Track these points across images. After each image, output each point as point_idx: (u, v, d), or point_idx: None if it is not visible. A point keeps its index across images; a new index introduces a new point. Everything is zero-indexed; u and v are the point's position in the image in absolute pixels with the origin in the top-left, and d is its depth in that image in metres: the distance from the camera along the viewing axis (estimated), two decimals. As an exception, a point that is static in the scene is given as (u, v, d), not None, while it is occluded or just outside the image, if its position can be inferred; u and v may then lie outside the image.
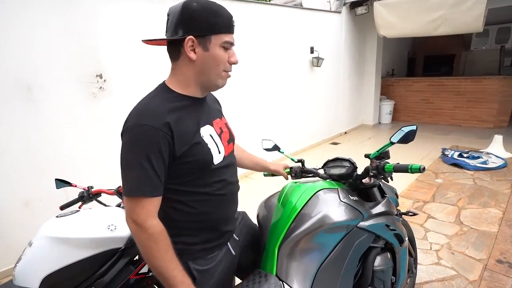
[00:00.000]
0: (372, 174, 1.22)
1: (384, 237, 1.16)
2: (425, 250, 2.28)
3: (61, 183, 1.63)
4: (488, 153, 4.19)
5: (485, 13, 4.22)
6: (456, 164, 3.97)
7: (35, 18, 2.29)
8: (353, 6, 5.67)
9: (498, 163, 3.86)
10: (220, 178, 0.97)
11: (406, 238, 1.31)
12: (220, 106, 1.17)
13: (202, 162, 0.90)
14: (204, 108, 0.98)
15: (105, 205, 1.65)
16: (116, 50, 2.78)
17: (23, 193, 2.38)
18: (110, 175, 2.76)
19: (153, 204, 0.83)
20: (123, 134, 0.85)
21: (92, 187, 1.62)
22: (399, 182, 3.43)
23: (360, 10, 5.60)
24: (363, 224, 1.08)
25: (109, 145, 2.81)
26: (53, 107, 2.47)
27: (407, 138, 1.09)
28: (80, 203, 1.63)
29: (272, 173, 1.50)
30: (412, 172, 1.04)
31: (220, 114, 1.09)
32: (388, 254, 1.20)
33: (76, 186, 1.64)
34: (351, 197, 1.13)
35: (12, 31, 2.20)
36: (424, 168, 1.02)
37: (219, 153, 0.95)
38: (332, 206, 1.05)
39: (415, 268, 1.71)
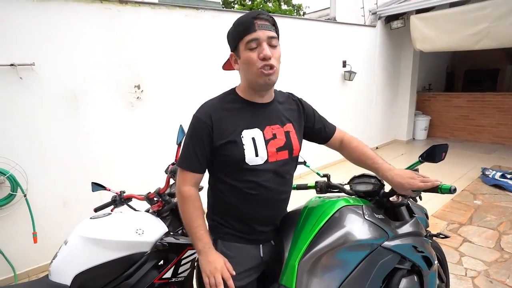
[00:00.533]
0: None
1: (411, 258, 1.11)
2: (460, 276, 2.13)
3: (97, 186, 1.73)
4: (535, 176, 3.85)
5: (532, 26, 3.97)
6: (497, 185, 3.70)
7: (83, 34, 2.52)
8: (388, 20, 5.57)
9: (547, 187, 3.54)
10: (253, 179, 1.05)
11: (436, 262, 1.24)
12: (301, 112, 1.20)
13: (234, 159, 1.02)
14: (260, 112, 1.08)
15: (135, 209, 1.73)
16: (152, 63, 2.96)
17: (62, 194, 2.56)
18: (142, 181, 2.90)
19: (189, 176, 1.06)
20: None
21: (124, 192, 1.71)
22: (433, 201, 3.25)
23: (396, 24, 5.49)
24: (388, 243, 1.05)
25: (144, 152, 2.96)
26: (95, 115, 2.67)
27: (436, 157, 1.05)
28: (112, 206, 1.72)
29: (306, 187, 1.51)
30: (442, 193, 1.00)
31: (284, 121, 1.12)
32: (415, 277, 1.14)
33: (110, 190, 1.73)
34: (376, 215, 1.10)
35: (62, 44, 2.42)
36: (455, 189, 0.97)
37: (257, 155, 1.03)
38: (356, 223, 1.03)
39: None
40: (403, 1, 5.59)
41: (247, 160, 1.02)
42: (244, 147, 1.02)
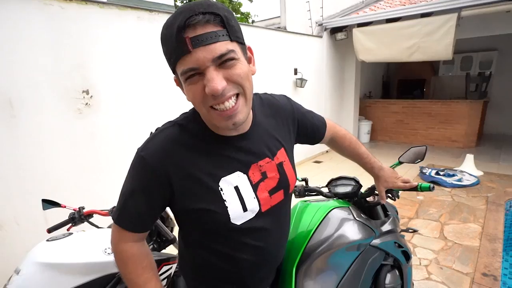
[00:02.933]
0: (377, 192, 1.26)
1: (393, 254, 1.18)
2: (416, 265, 2.33)
3: (48, 204, 1.52)
4: (462, 171, 4.43)
5: (453, 42, 4.59)
6: (434, 182, 4.16)
7: (21, 32, 2.22)
8: (333, 31, 5.96)
9: (472, 181, 4.08)
10: (244, 240, 0.78)
11: (412, 255, 1.34)
12: (293, 121, 0.93)
13: (214, 222, 0.74)
14: (239, 147, 0.76)
15: (97, 227, 1.56)
16: (103, 67, 2.72)
17: (-3, 215, 2.20)
18: (100, 195, 2.63)
19: (129, 235, 0.76)
20: None
21: (83, 208, 1.53)
22: (383, 199, 3.52)
23: (340, 35, 5.89)
24: (375, 242, 1.10)
25: (98, 163, 2.69)
26: (36, 123, 2.35)
27: (415, 158, 1.13)
28: (69, 224, 1.53)
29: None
30: (422, 191, 1.08)
31: (274, 150, 0.83)
32: (397, 271, 1.22)
33: (65, 207, 1.53)
34: (363, 216, 1.14)
35: (-3, 43, 2.10)
36: (433, 187, 1.06)
37: (245, 210, 0.75)
38: (348, 225, 1.06)
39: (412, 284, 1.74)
40: (346, 15, 6.06)
41: (232, 220, 0.74)
42: (226, 203, 0.73)
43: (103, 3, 2.75)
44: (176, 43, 0.59)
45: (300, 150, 5.63)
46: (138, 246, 0.77)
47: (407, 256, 1.26)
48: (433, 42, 4.77)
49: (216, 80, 0.61)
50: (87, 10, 2.60)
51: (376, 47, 5.32)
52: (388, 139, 7.36)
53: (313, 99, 5.82)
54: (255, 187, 0.77)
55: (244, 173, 0.76)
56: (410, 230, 1.54)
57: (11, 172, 2.23)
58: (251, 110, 0.76)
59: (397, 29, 5.07)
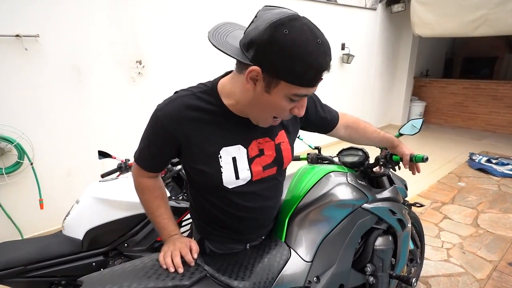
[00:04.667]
0: (381, 163, 1.33)
1: (387, 220, 1.26)
2: (436, 247, 2.32)
3: (103, 155, 1.84)
4: (519, 161, 4.03)
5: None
6: (482, 169, 3.87)
7: (86, 7, 2.55)
8: (389, 3, 5.55)
9: (529, 172, 3.72)
10: (236, 201, 0.91)
11: (409, 225, 1.40)
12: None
13: (209, 181, 0.87)
14: (245, 124, 0.85)
15: (139, 175, 1.86)
16: (154, 39, 3.00)
17: (67, 163, 2.68)
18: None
19: (145, 172, 0.94)
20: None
21: (128, 160, 1.82)
22: (419, 183, 3.42)
23: (397, 7, 5.47)
24: (367, 205, 1.19)
25: (144, 124, 3.06)
26: (98, 88, 2.74)
27: (413, 130, 1.17)
28: (118, 173, 1.84)
29: (298, 159, 1.56)
30: (416, 161, 1.14)
31: (276, 131, 0.92)
32: (390, 237, 1.30)
33: (115, 158, 1.85)
34: (359, 181, 1.23)
35: (66, 17, 2.47)
36: (427, 158, 1.11)
37: (237, 178, 0.87)
38: (340, 186, 1.16)
39: (421, 259, 1.78)
40: (405, -16, 5.56)
41: (225, 184, 0.86)
42: (222, 169, 0.85)
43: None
44: (313, 76, 0.68)
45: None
46: (152, 180, 0.97)
47: (402, 224, 1.33)
48: (505, 13, 4.20)
49: (304, 109, 0.79)
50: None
51: (436, 19, 4.86)
52: (443, 122, 6.82)
53: (360, 76, 5.60)
54: (250, 160, 0.88)
55: (244, 147, 0.86)
56: (417, 205, 1.57)
57: (78, 128, 2.68)
58: None
59: (462, -1, 4.54)
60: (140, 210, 1.48)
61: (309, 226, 1.10)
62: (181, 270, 0.81)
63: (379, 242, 1.24)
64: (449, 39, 7.96)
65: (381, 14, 5.61)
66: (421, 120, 1.17)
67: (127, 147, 3.00)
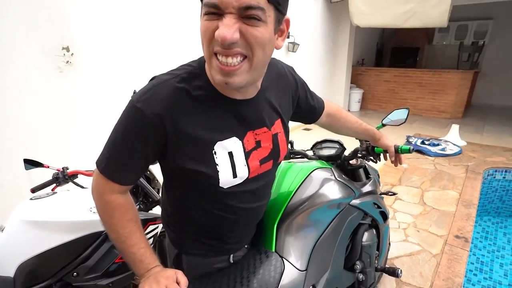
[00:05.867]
0: (360, 155, 1.28)
1: (371, 214, 1.23)
2: (395, 228, 2.45)
3: (31, 164, 1.49)
4: (446, 141, 4.53)
5: (450, 9, 4.47)
6: (419, 151, 4.26)
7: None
8: (329, -7, 5.71)
9: (455, 150, 4.19)
10: (229, 202, 0.79)
11: (390, 216, 1.40)
12: (295, 93, 0.91)
13: (203, 183, 0.74)
14: (240, 113, 0.74)
15: (82, 187, 1.56)
16: (85, 17, 2.55)
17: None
18: (84, 155, 2.60)
19: (115, 186, 0.73)
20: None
21: (67, 168, 1.51)
22: (369, 166, 3.61)
23: (335, -3, 5.66)
24: (355, 202, 1.13)
25: (79, 123, 2.62)
26: (14, 83, 2.24)
27: (398, 121, 1.14)
28: (54, 185, 1.52)
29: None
30: (402, 153, 1.10)
31: (273, 120, 0.82)
32: (374, 230, 1.27)
33: (49, 167, 1.51)
34: (344, 177, 1.17)
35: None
36: (413, 149, 1.08)
37: (235, 177, 0.75)
38: (328, 185, 1.08)
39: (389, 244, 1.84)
40: (343, -24, 5.77)
41: (221, 184, 0.74)
42: (218, 168, 0.72)
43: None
44: None
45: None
46: (123, 198, 0.75)
47: (384, 216, 1.32)
48: (429, 7, 4.64)
49: (230, 29, 0.56)
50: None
51: (371, 11, 5.15)
52: (379, 108, 7.39)
53: (305, 64, 5.70)
54: (247, 154, 0.76)
55: (240, 140, 0.75)
56: (390, 193, 1.59)
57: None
58: (259, 79, 0.74)
59: (394, -8, 4.88)
60: (89, 230, 1.23)
61: (300, 232, 1.00)
62: None
63: (366, 237, 1.21)
64: (379, 30, 8.61)
65: (322, 3, 5.74)
66: (407, 110, 1.15)
67: (60, 153, 2.57)
